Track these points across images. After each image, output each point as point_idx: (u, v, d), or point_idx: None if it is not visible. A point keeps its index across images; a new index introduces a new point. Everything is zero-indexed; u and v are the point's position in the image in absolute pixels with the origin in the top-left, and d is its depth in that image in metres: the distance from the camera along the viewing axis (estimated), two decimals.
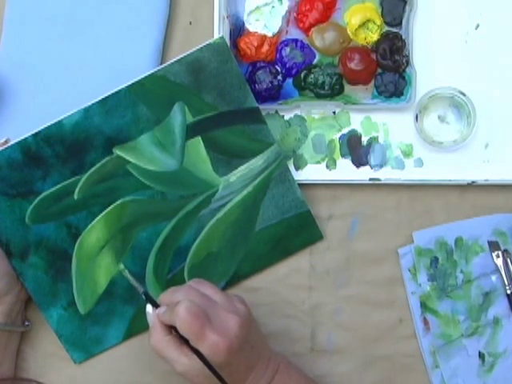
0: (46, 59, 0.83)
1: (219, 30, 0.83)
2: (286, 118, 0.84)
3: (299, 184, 0.84)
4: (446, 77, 0.84)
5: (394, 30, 0.84)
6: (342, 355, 0.85)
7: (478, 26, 0.84)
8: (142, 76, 0.80)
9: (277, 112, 0.84)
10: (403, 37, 0.83)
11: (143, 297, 0.74)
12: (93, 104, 0.80)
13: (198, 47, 0.80)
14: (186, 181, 0.82)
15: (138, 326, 0.84)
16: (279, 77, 0.83)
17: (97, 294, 0.83)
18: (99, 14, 0.83)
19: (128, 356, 0.84)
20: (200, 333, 0.69)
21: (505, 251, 0.84)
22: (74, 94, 0.82)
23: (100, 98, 0.80)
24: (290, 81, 0.84)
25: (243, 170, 0.82)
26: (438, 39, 0.84)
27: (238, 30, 0.84)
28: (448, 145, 0.83)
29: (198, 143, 0.81)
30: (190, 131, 0.81)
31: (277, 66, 0.84)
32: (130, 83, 0.80)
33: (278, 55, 0.84)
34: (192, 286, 0.73)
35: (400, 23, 0.83)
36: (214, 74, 0.80)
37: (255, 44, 0.83)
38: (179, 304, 0.70)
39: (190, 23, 0.85)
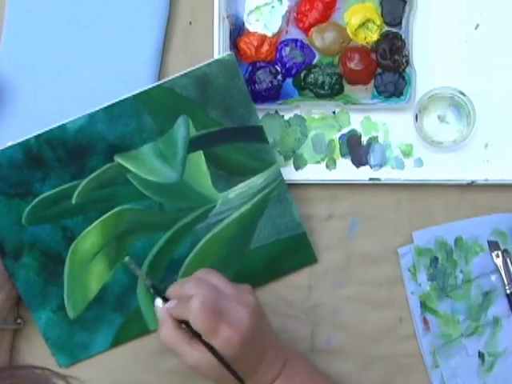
0: (46, 59, 0.83)
1: (219, 30, 0.83)
2: (286, 117, 0.84)
3: (299, 184, 0.84)
4: (445, 77, 0.84)
5: (394, 29, 0.84)
6: (342, 355, 0.85)
7: (477, 25, 0.84)
8: (149, 86, 0.80)
9: (277, 112, 0.84)
10: (403, 37, 0.83)
11: (150, 290, 0.73)
12: (98, 110, 0.79)
13: (206, 62, 0.80)
14: (185, 194, 0.82)
15: (125, 334, 0.83)
16: (279, 77, 0.83)
17: (87, 300, 0.82)
18: (99, 14, 0.83)
19: (128, 356, 0.84)
20: (214, 328, 0.69)
21: (504, 251, 0.84)
22: (73, 94, 0.82)
23: (106, 105, 0.80)
24: (289, 81, 0.84)
25: (242, 187, 0.82)
26: (437, 39, 0.84)
27: (237, 29, 0.84)
28: (448, 145, 0.83)
29: (199, 157, 0.81)
30: (193, 145, 0.81)
31: (277, 66, 0.84)
32: (136, 92, 0.80)
33: (277, 55, 0.84)
34: (201, 278, 0.73)
35: (400, 23, 0.83)
36: (221, 90, 0.80)
37: (255, 44, 0.83)
38: (192, 299, 0.69)
39: (190, 23, 0.85)
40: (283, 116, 0.84)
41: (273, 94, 0.83)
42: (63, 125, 0.79)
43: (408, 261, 0.84)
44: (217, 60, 0.80)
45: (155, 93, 0.80)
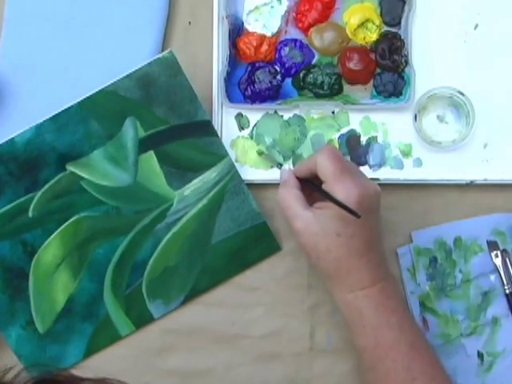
0: (46, 59, 0.83)
1: (218, 30, 0.83)
2: (285, 117, 0.84)
3: None
4: (444, 77, 0.84)
5: (393, 29, 0.84)
6: (342, 354, 0.85)
7: (476, 25, 0.84)
8: (93, 92, 0.80)
9: (276, 112, 0.84)
10: (402, 37, 0.83)
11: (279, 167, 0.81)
12: (44, 121, 0.80)
13: (146, 62, 0.80)
14: (141, 195, 0.82)
15: (97, 343, 0.83)
16: (278, 77, 0.83)
17: (55, 312, 0.82)
18: (99, 14, 0.83)
19: (127, 356, 0.84)
20: (339, 174, 0.72)
21: (503, 251, 0.84)
22: (73, 94, 0.82)
23: (51, 115, 0.80)
24: (289, 81, 0.84)
25: (197, 183, 0.82)
26: (436, 39, 0.84)
27: (237, 29, 0.84)
28: (447, 144, 0.83)
29: (150, 157, 0.81)
30: (143, 146, 0.81)
31: (276, 66, 0.84)
32: (80, 99, 0.80)
33: (277, 55, 0.84)
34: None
35: (399, 23, 0.83)
36: (164, 88, 0.81)
37: (254, 44, 0.83)
38: (322, 148, 0.75)
39: (190, 23, 0.85)
40: (282, 116, 0.84)
41: (272, 94, 0.83)
42: (11, 139, 0.80)
43: (407, 261, 0.84)
44: (157, 59, 0.80)
45: (99, 98, 0.80)
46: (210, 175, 0.82)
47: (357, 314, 0.74)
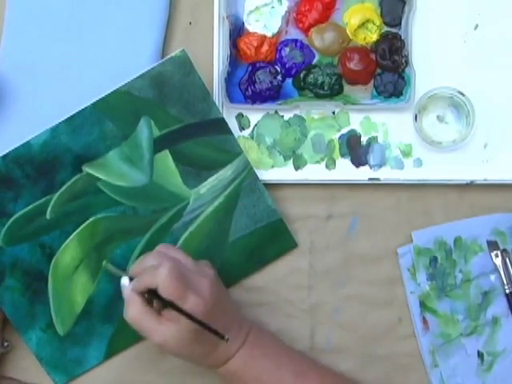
0: (46, 59, 0.83)
1: (219, 31, 0.83)
2: (286, 118, 0.84)
3: (299, 184, 0.84)
4: (445, 77, 0.84)
5: (394, 30, 0.84)
6: (342, 354, 0.85)
7: (476, 26, 0.84)
8: (107, 93, 0.80)
9: (276, 112, 0.84)
10: (402, 37, 0.83)
11: (114, 272, 0.76)
12: (59, 123, 0.80)
13: (160, 61, 0.80)
14: (157, 195, 0.82)
15: (118, 344, 0.83)
16: (279, 77, 0.84)
17: (75, 314, 0.82)
18: (99, 15, 0.83)
19: (129, 355, 0.84)
20: (183, 294, 0.71)
21: (504, 251, 0.84)
22: (73, 94, 0.83)
23: (66, 117, 0.80)
24: (289, 81, 0.84)
25: (213, 181, 0.82)
26: (437, 39, 0.84)
27: (237, 30, 0.84)
28: (447, 145, 0.84)
29: (166, 157, 0.81)
30: (158, 145, 0.81)
31: (276, 67, 0.84)
32: (94, 100, 0.80)
33: (277, 55, 0.84)
34: (162, 252, 0.75)
35: (399, 23, 0.83)
36: (178, 87, 0.81)
37: (255, 44, 0.83)
38: (161, 267, 0.71)
39: (190, 23, 0.85)
40: (283, 116, 0.84)
41: (272, 94, 0.83)
42: (27, 142, 0.80)
43: (407, 260, 0.84)
44: (170, 58, 0.80)
45: (113, 98, 0.80)
46: (226, 173, 0.82)
47: (235, 378, 0.76)
